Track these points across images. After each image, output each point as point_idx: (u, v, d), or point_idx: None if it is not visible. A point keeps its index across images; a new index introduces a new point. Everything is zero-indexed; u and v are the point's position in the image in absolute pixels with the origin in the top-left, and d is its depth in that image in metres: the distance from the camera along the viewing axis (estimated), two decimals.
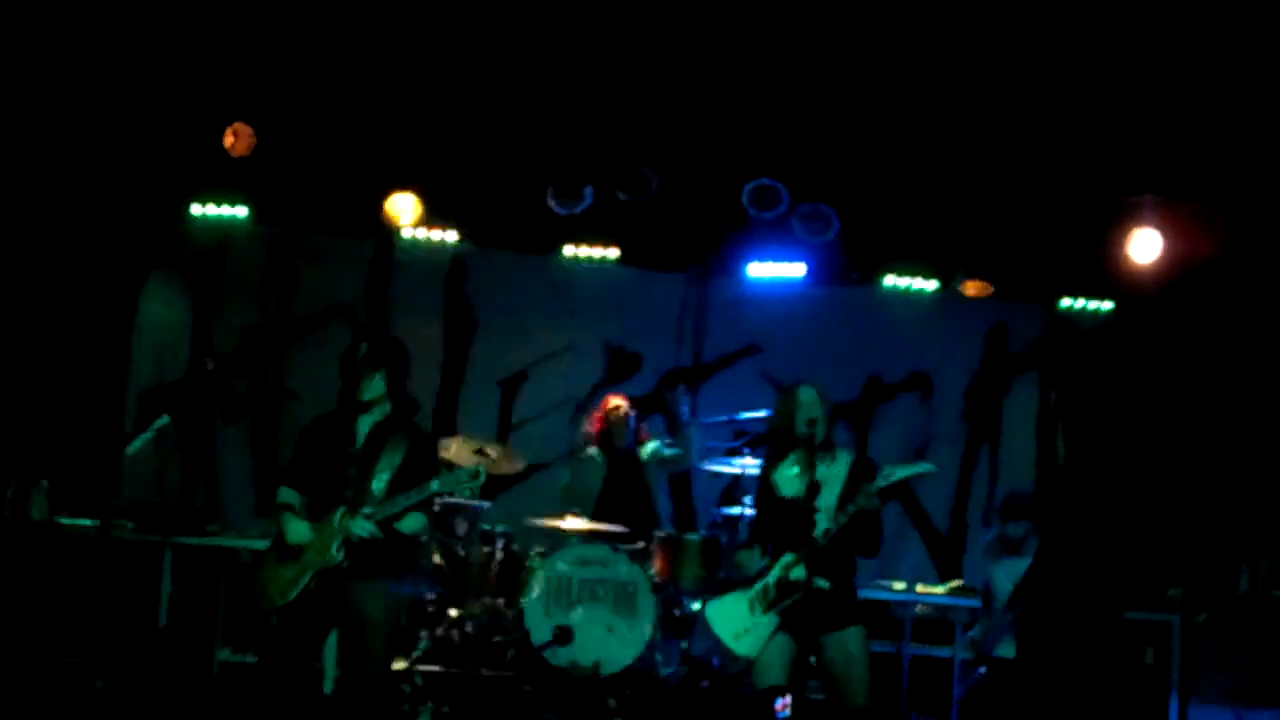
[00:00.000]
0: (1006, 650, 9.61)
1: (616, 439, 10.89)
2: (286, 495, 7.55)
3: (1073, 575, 10.67)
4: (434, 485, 7.52)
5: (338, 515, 7.39)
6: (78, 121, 10.34)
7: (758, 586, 7.79)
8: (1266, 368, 11.50)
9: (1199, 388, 11.73)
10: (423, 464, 7.63)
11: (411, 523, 7.56)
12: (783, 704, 7.49)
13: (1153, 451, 11.72)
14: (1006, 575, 9.84)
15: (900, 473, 7.99)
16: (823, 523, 7.68)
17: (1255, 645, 10.22)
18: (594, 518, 10.47)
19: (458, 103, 10.48)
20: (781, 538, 7.84)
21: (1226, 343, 11.64)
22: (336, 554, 7.39)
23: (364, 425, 7.58)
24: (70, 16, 9.52)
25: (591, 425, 11.00)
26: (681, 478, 11.64)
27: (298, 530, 7.43)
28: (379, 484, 7.46)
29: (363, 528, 7.37)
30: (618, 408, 10.94)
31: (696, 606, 9.63)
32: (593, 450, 10.94)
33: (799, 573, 7.65)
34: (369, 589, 7.47)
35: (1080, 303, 12.16)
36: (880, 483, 7.76)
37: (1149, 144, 10.24)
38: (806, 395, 7.94)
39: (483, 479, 7.58)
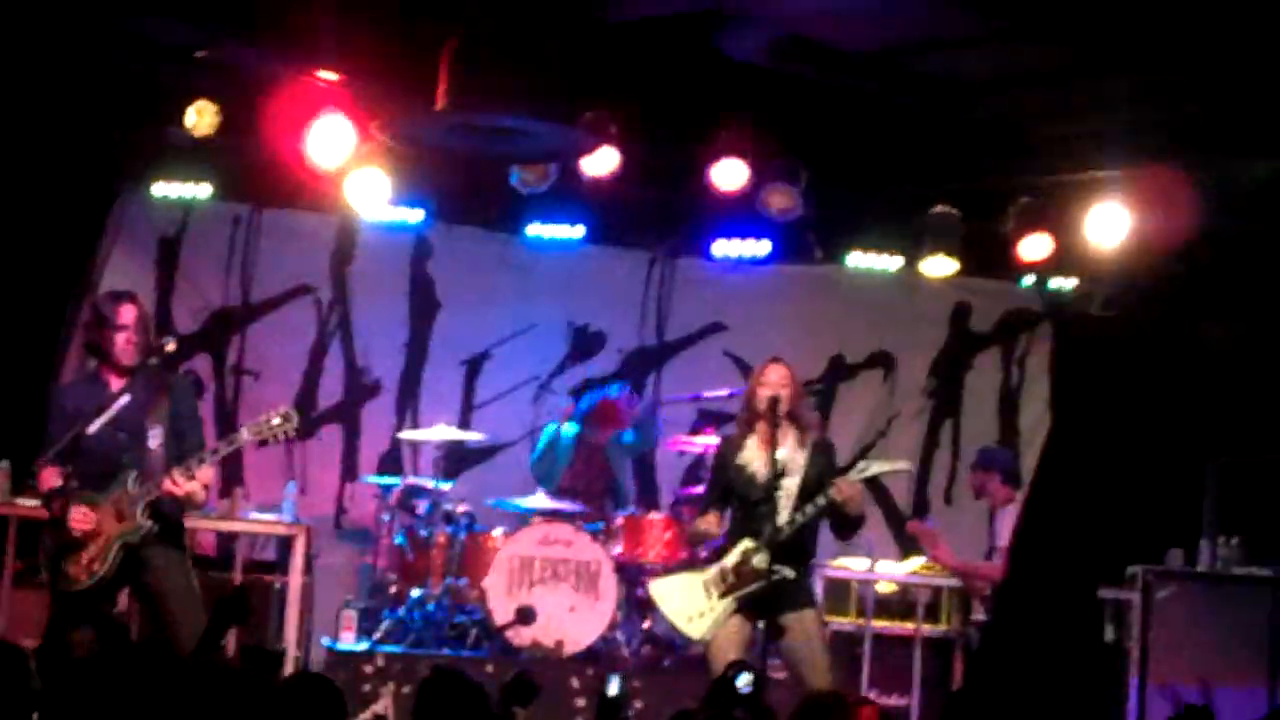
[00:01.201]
0: None
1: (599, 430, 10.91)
2: (52, 478, 7.36)
3: (1043, 551, 10.76)
4: (244, 434, 7.49)
5: (130, 480, 7.28)
6: (37, 100, 10.26)
7: (713, 570, 7.77)
8: (1234, 342, 11.50)
9: (1162, 364, 11.74)
10: (192, 413, 7.61)
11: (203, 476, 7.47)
12: (745, 680, 7.49)
13: (1115, 429, 11.74)
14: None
15: (875, 468, 8.00)
16: (785, 508, 7.66)
17: (1216, 623, 10.27)
18: (559, 497, 10.50)
19: (420, 79, 10.40)
20: (740, 520, 7.82)
21: (1193, 317, 11.65)
22: (145, 521, 7.29)
23: (117, 386, 7.44)
24: None
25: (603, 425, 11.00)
26: (644, 457, 11.66)
27: (83, 515, 7.25)
28: (154, 441, 7.36)
29: (179, 480, 7.27)
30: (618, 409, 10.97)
31: None
32: (568, 427, 10.95)
33: (761, 560, 7.63)
34: (167, 554, 7.41)
35: (1045, 281, 12.15)
36: (854, 476, 7.76)
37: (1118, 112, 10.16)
38: (774, 374, 7.91)
39: (294, 421, 7.53)
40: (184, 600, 7.40)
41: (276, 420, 7.52)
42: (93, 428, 7.31)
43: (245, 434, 7.51)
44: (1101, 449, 11.71)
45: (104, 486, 7.33)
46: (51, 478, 7.36)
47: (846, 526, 7.86)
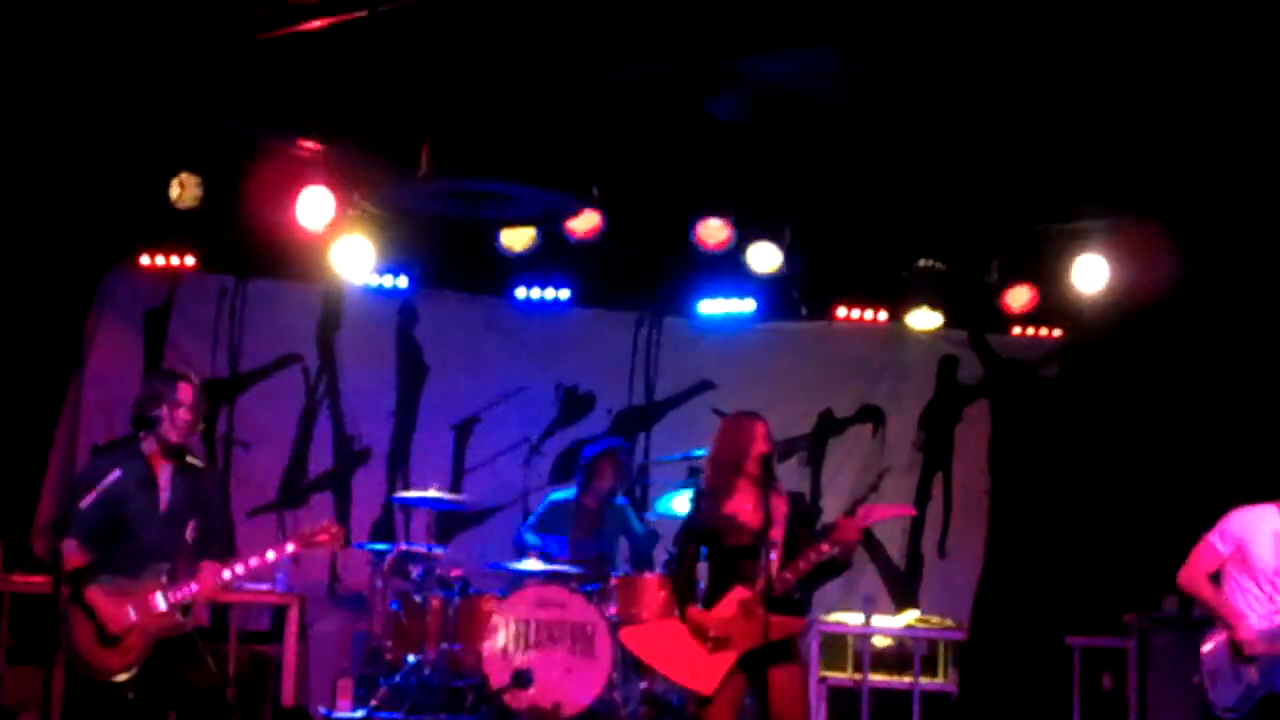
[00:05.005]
0: None
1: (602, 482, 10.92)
2: (75, 556, 7.18)
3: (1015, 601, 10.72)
4: (289, 547, 7.57)
5: (164, 574, 7.25)
6: (20, 175, 10.29)
7: (705, 619, 7.65)
8: (1212, 394, 11.53)
9: (1146, 415, 11.78)
10: (222, 503, 7.63)
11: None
12: None
13: (1100, 478, 11.79)
14: None
15: (879, 514, 7.97)
16: (773, 556, 7.59)
17: None
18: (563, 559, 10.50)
19: (404, 145, 10.44)
20: (724, 568, 7.73)
21: (1175, 369, 11.69)
22: (187, 620, 7.30)
23: (162, 471, 7.42)
24: (12, 70, 9.46)
25: (603, 478, 10.98)
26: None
27: (117, 612, 7.19)
28: (190, 533, 7.34)
29: (220, 583, 7.31)
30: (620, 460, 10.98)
31: None
32: (568, 492, 10.95)
33: (763, 614, 7.53)
34: (196, 645, 7.40)
35: (1029, 331, 12.21)
36: (859, 524, 7.72)
37: (1097, 165, 10.22)
38: (764, 431, 7.86)
39: (339, 537, 7.68)
40: (218, 692, 7.46)
41: (322, 536, 7.63)
42: (131, 510, 7.23)
43: (290, 547, 7.59)
44: (1079, 501, 11.79)
45: (132, 572, 7.28)
46: (75, 555, 7.20)
47: (828, 574, 7.82)
